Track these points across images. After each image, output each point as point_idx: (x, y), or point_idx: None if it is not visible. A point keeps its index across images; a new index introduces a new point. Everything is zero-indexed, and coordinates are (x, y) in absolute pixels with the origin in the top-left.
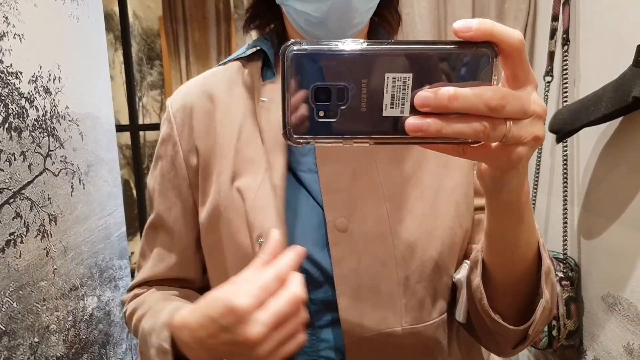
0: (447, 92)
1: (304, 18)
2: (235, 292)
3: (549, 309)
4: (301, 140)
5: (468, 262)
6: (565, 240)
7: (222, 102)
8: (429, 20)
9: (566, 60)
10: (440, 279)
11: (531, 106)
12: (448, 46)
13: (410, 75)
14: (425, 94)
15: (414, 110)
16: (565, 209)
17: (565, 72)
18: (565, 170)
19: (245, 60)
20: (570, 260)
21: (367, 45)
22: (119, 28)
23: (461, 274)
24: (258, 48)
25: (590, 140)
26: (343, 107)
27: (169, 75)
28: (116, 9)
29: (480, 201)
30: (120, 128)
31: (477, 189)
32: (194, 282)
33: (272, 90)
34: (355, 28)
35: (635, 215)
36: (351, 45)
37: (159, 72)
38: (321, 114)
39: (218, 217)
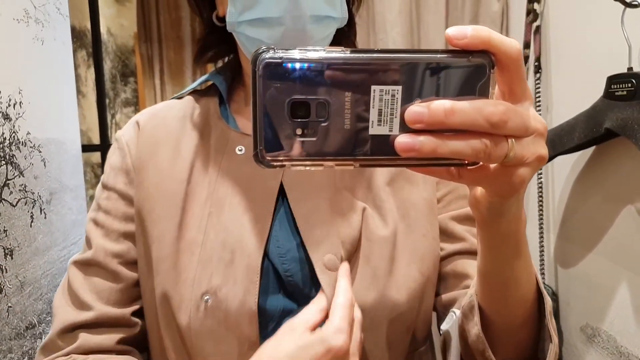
0: (442, 106)
1: (257, 46)
2: (329, 333)
3: (558, 354)
4: (275, 163)
5: (456, 311)
6: (543, 268)
7: (174, 138)
8: (403, 45)
9: (539, 87)
10: (395, 331)
11: (532, 122)
12: (440, 55)
13: (400, 87)
14: (418, 109)
15: (404, 128)
16: (542, 237)
17: (538, 99)
18: (540, 198)
19: (199, 95)
20: (548, 289)
21: (351, 53)
22: None
23: (449, 325)
24: (211, 82)
25: (564, 168)
26: (324, 124)
27: (143, 93)
28: (90, 26)
29: (456, 246)
30: (91, 148)
31: (451, 233)
32: (135, 327)
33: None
34: None
35: (611, 245)
36: (333, 53)
37: (133, 89)
38: (299, 132)
39: (158, 265)
